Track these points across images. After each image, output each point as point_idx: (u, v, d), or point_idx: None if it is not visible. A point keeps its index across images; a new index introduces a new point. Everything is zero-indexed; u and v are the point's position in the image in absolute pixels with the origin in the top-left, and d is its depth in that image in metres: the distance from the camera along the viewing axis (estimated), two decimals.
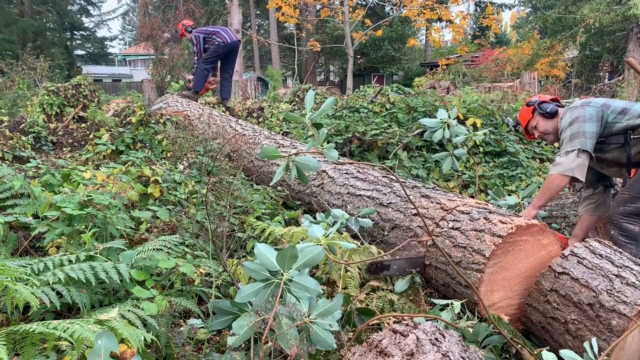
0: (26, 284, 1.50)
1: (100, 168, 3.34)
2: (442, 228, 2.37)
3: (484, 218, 2.23)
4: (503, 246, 2.07)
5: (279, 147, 4.23)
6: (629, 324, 1.68)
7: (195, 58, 7.62)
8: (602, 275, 1.85)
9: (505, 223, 2.13)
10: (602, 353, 1.60)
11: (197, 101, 7.46)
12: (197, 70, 7.45)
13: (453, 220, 2.36)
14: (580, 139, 2.55)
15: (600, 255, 1.95)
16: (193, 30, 7.59)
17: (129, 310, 1.57)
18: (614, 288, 1.79)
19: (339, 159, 1.92)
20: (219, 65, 7.89)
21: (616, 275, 1.83)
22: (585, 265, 1.92)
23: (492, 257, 2.05)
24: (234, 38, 7.54)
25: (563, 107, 2.89)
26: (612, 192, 2.97)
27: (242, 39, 14.95)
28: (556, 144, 5.95)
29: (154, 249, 1.94)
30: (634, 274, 1.83)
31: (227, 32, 7.56)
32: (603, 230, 3.02)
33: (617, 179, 3.12)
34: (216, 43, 7.37)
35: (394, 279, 2.32)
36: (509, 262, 2.10)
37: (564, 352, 1.47)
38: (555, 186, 2.58)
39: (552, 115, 2.84)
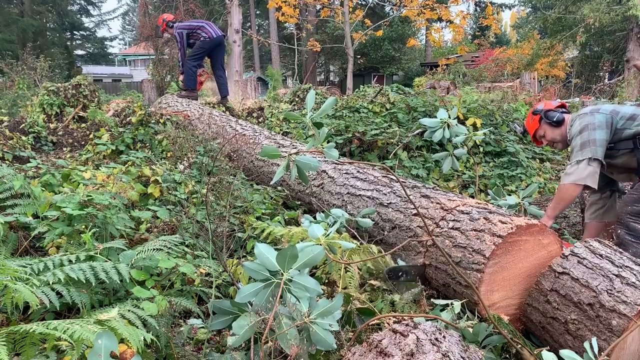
0: (26, 284, 1.49)
1: (100, 168, 3.34)
2: (442, 228, 2.37)
3: (484, 218, 2.22)
4: (503, 246, 2.07)
5: (279, 147, 4.23)
6: (629, 324, 1.68)
7: (180, 54, 7.52)
8: (602, 275, 1.85)
9: (505, 223, 2.13)
10: (602, 353, 1.60)
11: (197, 99, 7.43)
12: (185, 69, 7.37)
13: (453, 220, 2.36)
14: (591, 147, 2.57)
15: (601, 255, 1.95)
16: (175, 25, 7.42)
17: (129, 310, 1.57)
18: (614, 288, 1.79)
19: (339, 158, 1.92)
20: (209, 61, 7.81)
21: (616, 275, 1.83)
22: (585, 265, 1.92)
23: (492, 257, 2.05)
24: (219, 33, 7.43)
25: (569, 113, 2.89)
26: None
27: (242, 39, 14.95)
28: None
29: (154, 249, 1.94)
30: (634, 274, 1.83)
31: (212, 26, 7.43)
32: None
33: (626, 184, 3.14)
34: (201, 38, 7.26)
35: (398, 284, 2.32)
36: (509, 262, 2.10)
37: (564, 352, 1.47)
38: (569, 196, 2.61)
39: (559, 123, 2.85)
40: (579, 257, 1.97)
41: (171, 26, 7.51)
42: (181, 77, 7.67)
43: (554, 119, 2.84)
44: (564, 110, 2.91)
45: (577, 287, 1.88)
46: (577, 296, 1.86)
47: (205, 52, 7.44)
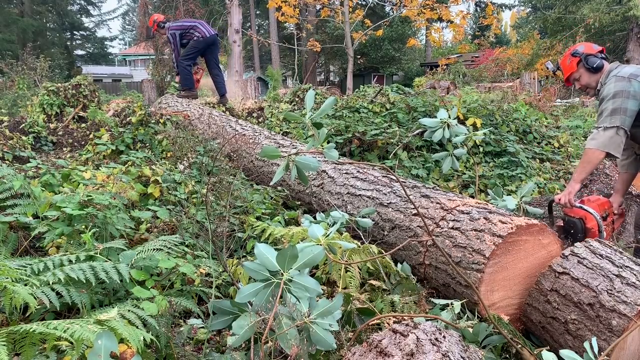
0: (26, 284, 1.49)
1: (100, 168, 3.34)
2: (442, 228, 2.37)
3: (484, 218, 2.22)
4: (503, 246, 2.07)
5: (279, 147, 4.23)
6: (629, 324, 1.68)
7: (173, 55, 7.48)
8: (603, 275, 1.85)
9: (505, 223, 2.13)
10: (602, 353, 1.60)
11: (196, 98, 7.43)
12: (180, 69, 7.37)
13: (453, 220, 2.36)
14: (621, 115, 2.56)
15: (601, 255, 1.95)
16: (166, 25, 7.38)
17: (129, 310, 1.57)
18: (614, 288, 1.79)
19: (339, 158, 1.92)
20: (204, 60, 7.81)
21: (616, 275, 1.83)
22: (585, 265, 1.92)
23: (492, 257, 2.05)
24: (212, 32, 7.41)
25: (607, 59, 2.83)
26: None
27: (242, 39, 14.95)
28: (562, 140, 5.96)
29: (154, 249, 1.94)
30: (634, 274, 1.83)
31: (205, 25, 7.41)
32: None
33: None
34: (195, 38, 7.25)
35: (395, 283, 2.32)
36: (509, 262, 2.10)
37: (564, 352, 1.47)
38: (593, 161, 2.64)
39: (598, 70, 2.79)
40: (579, 257, 1.97)
41: (162, 27, 7.47)
42: (177, 79, 7.66)
43: (594, 65, 2.78)
44: (603, 56, 2.83)
45: (577, 287, 1.88)
46: (577, 296, 1.86)
47: (199, 52, 7.42)
